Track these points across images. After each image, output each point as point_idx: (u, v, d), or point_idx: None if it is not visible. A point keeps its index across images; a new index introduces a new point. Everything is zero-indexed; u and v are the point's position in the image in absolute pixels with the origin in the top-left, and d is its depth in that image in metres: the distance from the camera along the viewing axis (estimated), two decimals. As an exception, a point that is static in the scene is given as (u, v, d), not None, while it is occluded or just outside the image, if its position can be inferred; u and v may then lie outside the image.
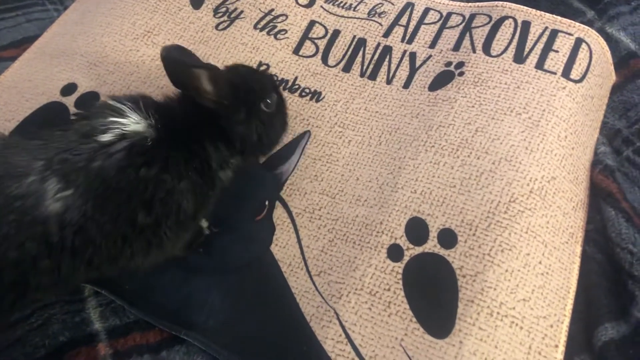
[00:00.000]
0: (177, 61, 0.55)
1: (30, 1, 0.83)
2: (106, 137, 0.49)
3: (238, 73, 0.59)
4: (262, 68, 0.71)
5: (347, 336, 0.52)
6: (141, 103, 0.52)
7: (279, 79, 0.70)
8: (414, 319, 0.52)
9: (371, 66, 0.71)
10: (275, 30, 0.75)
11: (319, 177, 0.63)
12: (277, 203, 0.62)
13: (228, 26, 0.75)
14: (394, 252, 0.56)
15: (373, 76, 0.70)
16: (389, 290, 0.54)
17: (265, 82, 0.60)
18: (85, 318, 0.55)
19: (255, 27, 0.75)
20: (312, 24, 0.75)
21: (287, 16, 0.75)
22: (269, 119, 0.58)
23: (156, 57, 0.71)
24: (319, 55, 0.72)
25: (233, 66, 0.61)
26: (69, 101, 0.68)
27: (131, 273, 0.57)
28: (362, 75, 0.70)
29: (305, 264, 0.57)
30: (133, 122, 0.50)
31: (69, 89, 0.69)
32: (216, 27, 0.75)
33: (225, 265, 0.59)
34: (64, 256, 0.47)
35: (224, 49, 0.73)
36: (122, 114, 0.51)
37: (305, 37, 0.74)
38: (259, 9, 0.76)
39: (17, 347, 0.52)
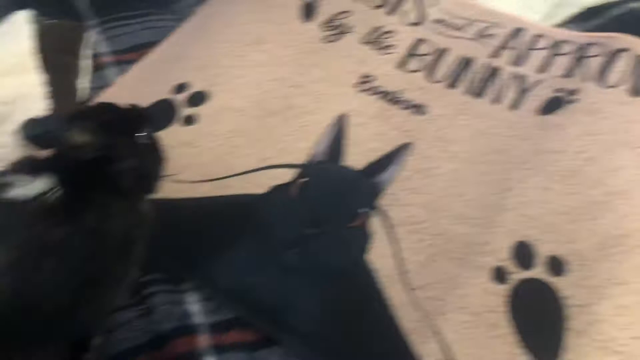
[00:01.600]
0: (41, 127, 0.50)
1: (146, 11, 0.87)
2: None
3: (105, 111, 0.54)
4: (366, 80, 0.72)
5: (448, 354, 0.51)
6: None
7: (383, 90, 0.71)
8: (519, 344, 0.50)
9: (478, 84, 0.70)
10: (382, 45, 0.75)
11: (418, 190, 0.62)
12: (374, 212, 0.61)
13: (336, 39, 0.76)
14: (499, 275, 0.54)
15: (480, 94, 0.69)
16: (492, 312, 0.52)
17: (136, 114, 0.55)
18: (188, 310, 0.56)
19: (362, 41, 0.76)
20: (419, 42, 0.75)
21: (394, 33, 0.76)
22: (147, 152, 0.54)
23: (263, 63, 0.74)
24: (425, 71, 0.72)
25: (98, 105, 0.59)
26: (180, 98, 0.70)
27: (228, 270, 0.58)
28: (468, 92, 0.70)
29: (404, 277, 0.57)
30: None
31: (180, 88, 0.72)
32: (324, 39, 0.76)
33: (319, 269, 0.59)
34: None
35: (330, 60, 0.74)
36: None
37: (411, 53, 0.74)
38: (368, 25, 0.77)
39: (123, 330, 0.54)
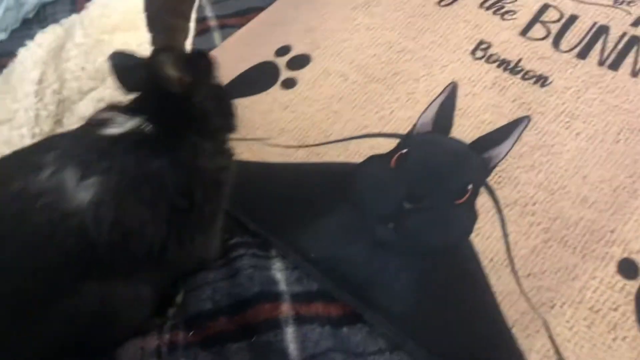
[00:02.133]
0: (129, 61, 0.49)
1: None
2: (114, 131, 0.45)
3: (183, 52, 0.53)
4: (483, 47, 0.65)
5: (558, 353, 0.44)
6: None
7: (501, 58, 0.63)
8: (649, 351, 0.43)
9: (613, 55, 0.61)
10: (503, 10, 0.68)
11: (536, 168, 0.55)
12: (482, 189, 0.55)
13: (452, 3, 0.70)
14: (627, 268, 0.46)
15: (615, 66, 0.60)
16: (616, 310, 0.45)
17: (207, 56, 0.52)
18: (272, 276, 0.54)
19: (481, 6, 0.69)
20: (545, 7, 0.67)
21: (518, -4, 0.68)
22: (222, 91, 0.53)
23: (371, 26, 0.69)
24: (550, 39, 0.64)
25: (165, 47, 0.54)
26: (282, 61, 0.68)
27: (318, 240, 0.55)
28: (601, 64, 0.61)
29: (512, 263, 0.50)
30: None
31: (283, 51, 0.69)
32: (439, 2, 0.70)
33: (417, 247, 0.54)
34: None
35: (443, 24, 0.68)
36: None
37: (536, 19, 0.66)
38: (488, -12, 0.70)
39: (206, 290, 0.52)
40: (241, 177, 0.57)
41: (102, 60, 0.67)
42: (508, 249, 0.51)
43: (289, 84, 0.66)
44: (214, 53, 0.74)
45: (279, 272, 0.54)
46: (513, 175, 0.55)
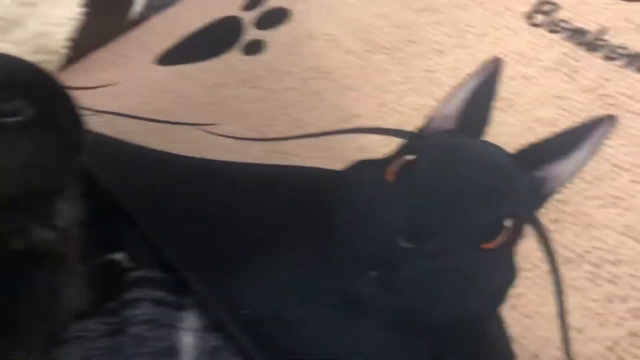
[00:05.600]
0: None
1: None
2: None
3: None
4: (544, 10, 0.43)
5: None
6: None
7: (571, 27, 0.42)
8: None
9: None
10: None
11: (623, 202, 0.33)
12: (528, 230, 0.34)
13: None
14: None
15: None
16: None
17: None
18: (174, 342, 0.34)
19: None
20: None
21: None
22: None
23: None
24: (651, 2, 0.42)
25: None
26: (249, 17, 0.48)
27: (258, 288, 0.35)
28: None
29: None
30: None
31: (252, 3, 0.49)
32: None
33: (412, 315, 0.34)
34: None
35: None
36: None
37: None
38: None
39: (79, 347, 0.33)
40: (164, 177, 0.41)
41: (10, 4, 0.49)
42: (565, 340, 0.30)
43: (254, 48, 0.46)
44: (173, 9, 0.55)
45: (188, 333, 0.34)
46: (582, 210, 0.33)
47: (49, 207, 0.32)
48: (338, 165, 0.39)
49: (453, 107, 0.40)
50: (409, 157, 0.38)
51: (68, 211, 0.33)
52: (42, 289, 0.31)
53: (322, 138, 0.41)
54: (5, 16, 0.49)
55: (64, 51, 0.50)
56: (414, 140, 0.39)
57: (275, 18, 0.47)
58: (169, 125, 0.44)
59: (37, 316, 0.32)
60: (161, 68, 0.48)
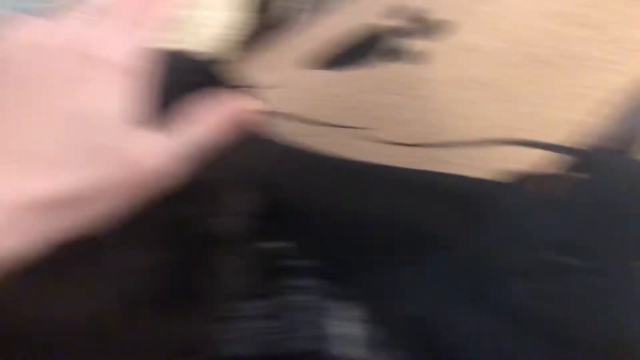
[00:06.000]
0: None
1: None
2: None
3: None
4: None
5: None
6: None
7: None
8: None
9: None
10: None
11: None
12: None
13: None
14: None
15: None
16: None
17: None
18: (329, 334, 0.36)
19: None
20: None
21: None
22: None
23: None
24: None
25: None
26: (410, 27, 0.49)
27: (414, 288, 0.36)
28: None
29: None
30: None
31: (411, 13, 0.50)
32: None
33: (567, 325, 0.33)
34: None
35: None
36: None
37: None
38: None
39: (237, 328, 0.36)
40: (324, 176, 0.43)
41: None
42: None
43: (414, 57, 0.47)
44: (328, 16, 0.58)
45: (345, 322, 0.36)
46: None
47: (230, 198, 0.35)
48: (493, 175, 0.40)
49: (620, 126, 0.39)
50: (571, 172, 0.38)
51: (243, 202, 0.36)
52: (217, 269, 0.35)
53: (477, 147, 0.41)
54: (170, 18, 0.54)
55: (223, 53, 0.54)
56: (577, 157, 0.39)
57: (436, 29, 0.48)
58: (326, 127, 0.46)
59: (212, 292, 0.35)
60: (320, 72, 0.50)
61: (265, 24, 0.56)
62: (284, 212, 0.42)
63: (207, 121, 0.29)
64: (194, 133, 0.28)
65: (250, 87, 0.36)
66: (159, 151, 0.27)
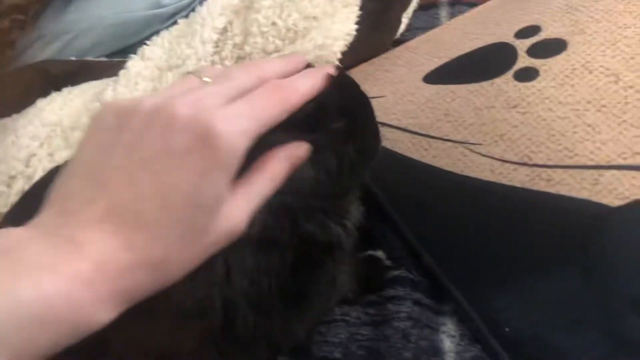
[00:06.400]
0: None
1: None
2: None
3: None
4: None
5: None
6: None
7: None
8: None
9: None
10: None
11: None
12: None
13: None
14: None
15: None
16: None
17: None
18: (437, 343, 0.35)
19: None
20: None
21: None
22: None
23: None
24: None
25: None
26: (522, 45, 0.48)
27: (521, 309, 0.35)
28: None
29: None
30: None
31: (528, 32, 0.49)
32: None
33: None
34: None
35: None
36: None
37: None
38: None
39: (340, 331, 0.36)
40: (426, 188, 0.42)
41: (297, 17, 0.55)
42: None
43: (527, 75, 0.46)
44: (435, 30, 0.58)
45: (448, 338, 0.36)
46: None
47: (343, 209, 0.36)
48: (610, 200, 0.38)
49: None
50: None
51: (354, 212, 0.36)
52: (327, 274, 0.35)
53: (594, 171, 0.40)
54: (293, 27, 0.55)
55: (337, 63, 0.54)
56: None
57: (551, 48, 0.47)
58: (432, 139, 0.46)
59: (320, 295, 0.35)
60: (428, 86, 0.50)
61: (380, 38, 0.57)
62: (389, 223, 0.42)
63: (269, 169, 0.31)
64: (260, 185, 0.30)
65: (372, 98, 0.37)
66: (238, 225, 0.29)
